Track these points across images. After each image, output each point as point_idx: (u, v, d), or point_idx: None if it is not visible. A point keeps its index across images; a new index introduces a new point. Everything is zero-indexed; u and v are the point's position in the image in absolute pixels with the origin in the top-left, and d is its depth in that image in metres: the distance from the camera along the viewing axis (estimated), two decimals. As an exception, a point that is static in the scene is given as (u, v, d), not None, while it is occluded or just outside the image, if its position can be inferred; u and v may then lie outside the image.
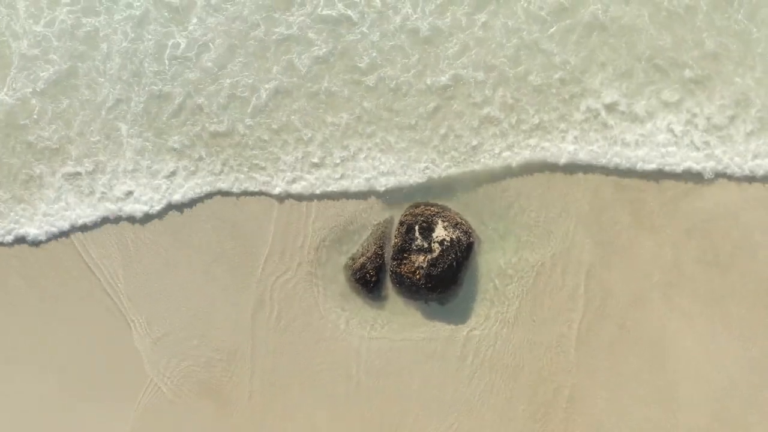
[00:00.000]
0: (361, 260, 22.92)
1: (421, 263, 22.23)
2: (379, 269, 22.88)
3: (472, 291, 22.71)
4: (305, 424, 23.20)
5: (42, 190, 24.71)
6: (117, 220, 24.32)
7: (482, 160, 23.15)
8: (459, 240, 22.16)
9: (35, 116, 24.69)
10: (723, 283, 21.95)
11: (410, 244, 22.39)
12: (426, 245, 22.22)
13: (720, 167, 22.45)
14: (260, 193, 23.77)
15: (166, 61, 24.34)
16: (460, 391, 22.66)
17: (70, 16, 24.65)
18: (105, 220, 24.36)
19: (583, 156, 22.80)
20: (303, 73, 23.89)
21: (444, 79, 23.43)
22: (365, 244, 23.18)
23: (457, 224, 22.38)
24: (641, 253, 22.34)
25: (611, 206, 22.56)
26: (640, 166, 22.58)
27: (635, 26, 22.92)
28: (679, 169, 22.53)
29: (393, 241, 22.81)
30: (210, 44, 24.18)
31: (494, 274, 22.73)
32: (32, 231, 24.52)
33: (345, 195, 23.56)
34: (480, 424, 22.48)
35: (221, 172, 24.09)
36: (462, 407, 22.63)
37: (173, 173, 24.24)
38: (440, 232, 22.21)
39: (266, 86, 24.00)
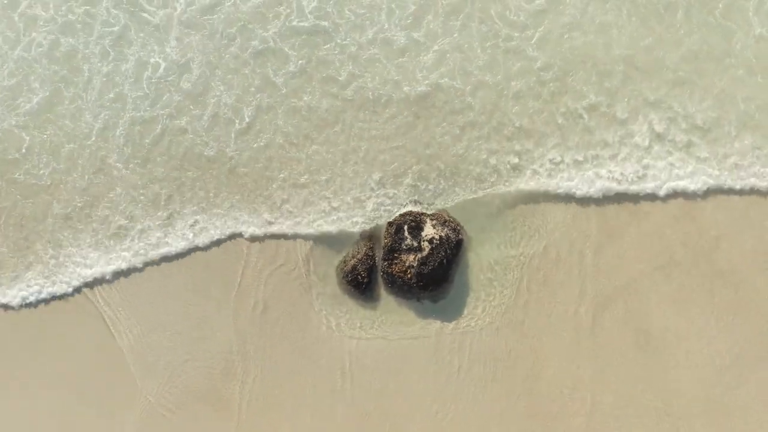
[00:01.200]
0: (352, 262, 22.85)
1: (411, 262, 22.15)
2: (371, 270, 22.80)
3: (464, 287, 22.66)
4: (301, 427, 22.89)
5: (38, 232, 24.55)
6: (115, 256, 24.34)
7: (469, 167, 23.15)
8: (448, 237, 22.15)
9: (24, 150, 24.62)
10: (710, 268, 22.02)
11: (400, 244, 22.34)
12: (416, 244, 22.18)
13: (702, 167, 22.53)
14: (236, 236, 23.87)
15: (145, 84, 24.41)
16: (456, 388, 22.45)
17: (49, 36, 24.72)
18: (100, 253, 24.40)
19: (568, 159, 22.88)
20: (284, 92, 23.99)
21: (423, 88, 23.53)
22: (355, 245, 23.16)
23: (445, 222, 22.41)
24: (631, 241, 22.43)
25: (598, 196, 22.67)
26: (621, 165, 22.71)
27: (615, 24, 23.08)
28: (662, 166, 22.63)
29: (383, 241, 22.79)
30: (191, 63, 24.29)
31: (485, 270, 22.71)
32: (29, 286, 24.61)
33: (333, 213, 23.61)
34: (478, 419, 22.23)
35: (215, 195, 23.95)
36: (459, 404, 22.39)
37: (168, 200, 24.13)
38: (429, 231, 22.19)
39: (248, 105, 24.07)
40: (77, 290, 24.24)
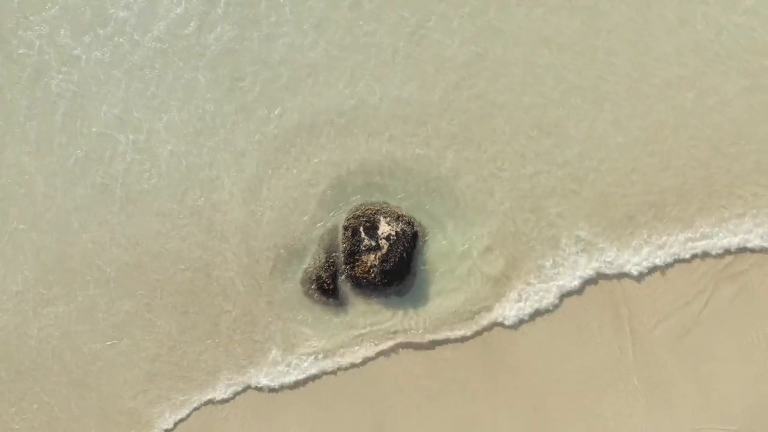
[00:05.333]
0: (316, 272, 23.19)
1: (372, 262, 22.59)
2: (335, 276, 23.15)
3: (427, 277, 23.08)
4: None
5: None
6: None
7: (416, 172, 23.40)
8: (404, 232, 22.63)
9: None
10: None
11: (358, 246, 22.75)
12: (374, 243, 22.61)
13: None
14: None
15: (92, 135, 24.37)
16: (436, 378, 22.88)
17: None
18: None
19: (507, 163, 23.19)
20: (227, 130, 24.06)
21: (345, 112, 23.70)
22: (315, 256, 23.41)
23: (399, 217, 22.86)
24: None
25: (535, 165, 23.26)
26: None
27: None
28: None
29: (341, 246, 23.10)
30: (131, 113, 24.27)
31: (444, 256, 23.08)
32: None
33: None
34: (467, 398, 22.78)
35: None
36: (444, 394, 22.82)
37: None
38: (384, 228, 22.64)
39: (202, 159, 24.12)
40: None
